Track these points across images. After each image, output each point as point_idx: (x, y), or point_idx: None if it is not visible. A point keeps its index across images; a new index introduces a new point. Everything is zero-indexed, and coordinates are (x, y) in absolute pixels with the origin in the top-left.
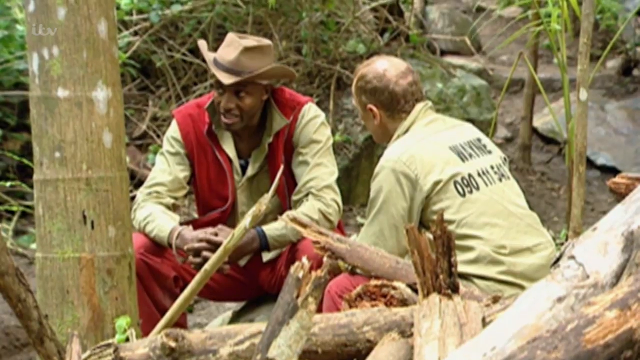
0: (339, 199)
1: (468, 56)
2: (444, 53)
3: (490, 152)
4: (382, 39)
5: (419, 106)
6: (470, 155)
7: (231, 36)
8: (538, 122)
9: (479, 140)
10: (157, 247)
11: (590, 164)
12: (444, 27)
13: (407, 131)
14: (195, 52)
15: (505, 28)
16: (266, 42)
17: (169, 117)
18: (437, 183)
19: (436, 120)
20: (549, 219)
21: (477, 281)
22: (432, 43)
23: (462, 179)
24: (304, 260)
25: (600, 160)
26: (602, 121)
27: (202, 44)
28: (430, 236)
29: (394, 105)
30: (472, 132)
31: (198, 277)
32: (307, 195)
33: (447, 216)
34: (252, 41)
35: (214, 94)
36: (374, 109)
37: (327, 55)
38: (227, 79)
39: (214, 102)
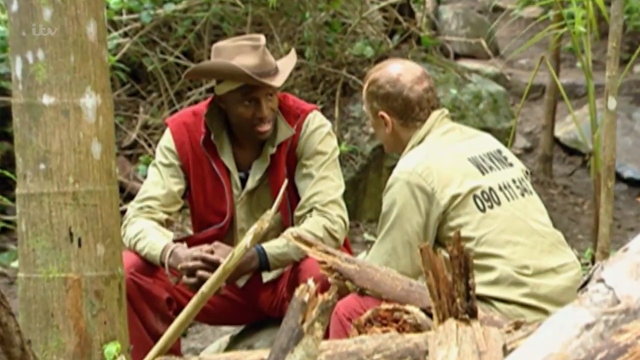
0: (345, 215)
1: (484, 60)
2: (458, 56)
3: (511, 165)
4: (391, 41)
5: (435, 114)
6: (490, 168)
7: (229, 44)
8: (560, 131)
9: (499, 151)
10: (149, 266)
11: (617, 176)
12: (458, 28)
13: (421, 141)
14: (190, 54)
15: (525, 30)
16: (259, 36)
17: (160, 125)
18: (455, 197)
19: (453, 129)
20: (572, 236)
21: (497, 304)
22: (445, 45)
23: (482, 192)
24: (310, 282)
25: (628, 173)
26: (629, 130)
27: (220, 49)
28: (447, 255)
29: (407, 112)
30: (491, 143)
31: (194, 300)
32: (310, 210)
33: (466, 232)
34: (253, 40)
35: (238, 108)
36: (386, 116)
37: (331, 59)
38: (277, 81)
39: (237, 117)
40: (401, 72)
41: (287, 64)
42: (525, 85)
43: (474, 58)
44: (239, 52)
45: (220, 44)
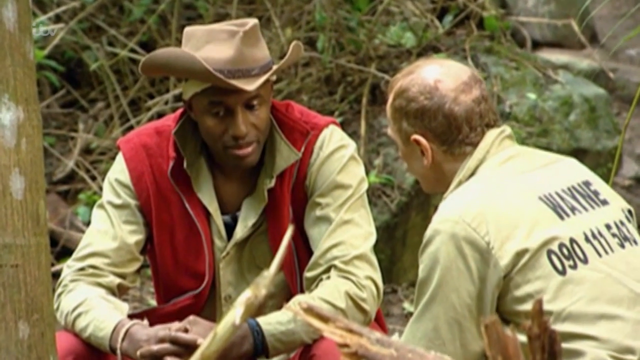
0: (377, 276)
1: (576, 50)
2: (538, 45)
3: (605, 203)
4: (440, 24)
5: (491, 134)
6: (573, 209)
7: (202, 28)
8: None
9: (587, 184)
10: (94, 352)
11: None
12: (537, 4)
13: (473, 173)
14: (151, 46)
15: (635, 7)
16: (250, 20)
17: (110, 149)
18: (520, 253)
19: (518, 155)
20: None
21: None
22: (519, 30)
23: (561, 246)
24: None
25: None
26: None
27: (190, 34)
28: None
29: (452, 134)
30: (575, 172)
31: None
32: (327, 269)
33: None
34: (236, 25)
35: (205, 120)
36: (422, 140)
37: (355, 51)
38: (249, 84)
39: (205, 133)
40: (439, 76)
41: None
42: (636, 87)
43: (561, 47)
44: (209, 40)
45: (194, 28)
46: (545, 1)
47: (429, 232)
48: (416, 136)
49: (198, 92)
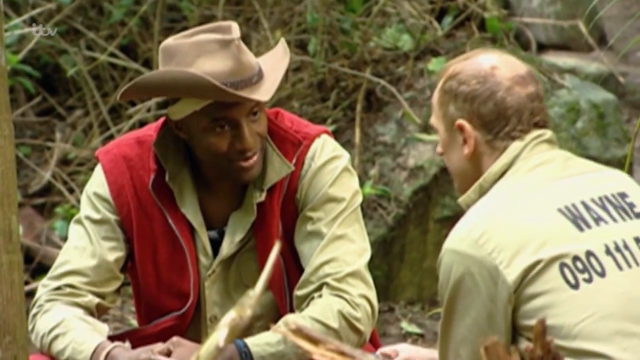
0: (373, 294)
1: (584, 52)
2: (543, 48)
3: (639, 216)
4: (439, 25)
5: (527, 137)
6: (598, 220)
7: (184, 42)
8: None
9: (623, 195)
10: None
11: None
12: (543, 5)
13: (502, 175)
14: (132, 50)
15: None
16: (230, 24)
17: (88, 160)
18: (528, 269)
19: (553, 160)
20: None
21: None
22: (523, 31)
23: (575, 259)
24: None
25: None
26: None
27: (173, 49)
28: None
29: (500, 124)
30: (613, 182)
31: None
32: (319, 287)
33: (548, 320)
34: (221, 32)
35: (207, 138)
36: (467, 126)
37: (349, 54)
38: (263, 93)
39: (207, 152)
40: (497, 64)
41: (275, 63)
42: None
43: (567, 50)
44: (200, 53)
45: (171, 42)
46: (550, 1)
47: (443, 248)
48: (461, 121)
49: (197, 110)
